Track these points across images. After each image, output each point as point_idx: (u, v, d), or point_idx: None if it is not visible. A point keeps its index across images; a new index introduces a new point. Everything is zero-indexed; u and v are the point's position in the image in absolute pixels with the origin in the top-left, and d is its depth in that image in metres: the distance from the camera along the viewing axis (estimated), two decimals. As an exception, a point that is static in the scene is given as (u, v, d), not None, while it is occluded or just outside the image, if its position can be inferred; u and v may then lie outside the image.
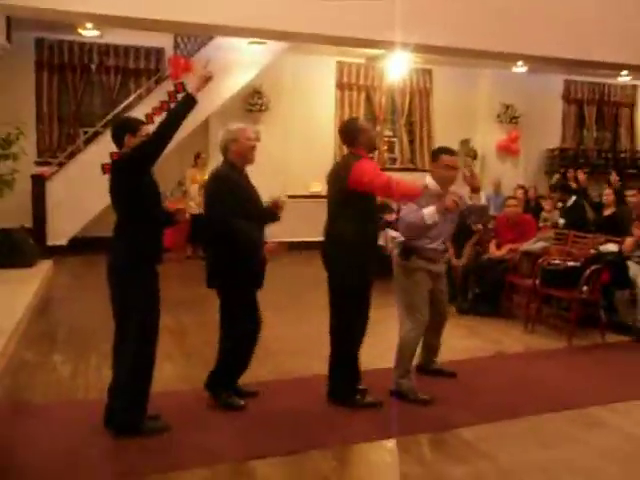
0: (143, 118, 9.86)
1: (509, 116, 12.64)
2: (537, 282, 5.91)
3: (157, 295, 3.65)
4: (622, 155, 13.70)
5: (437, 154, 4.28)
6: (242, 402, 3.98)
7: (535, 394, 4.36)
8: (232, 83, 10.48)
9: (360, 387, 4.10)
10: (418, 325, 4.17)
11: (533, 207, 9.67)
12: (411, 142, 12.53)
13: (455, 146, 12.45)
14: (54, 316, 6.27)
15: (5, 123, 8.38)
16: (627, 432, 3.78)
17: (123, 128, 3.61)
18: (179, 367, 4.86)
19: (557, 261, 6.03)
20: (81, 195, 9.48)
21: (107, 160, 9.63)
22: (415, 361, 4.40)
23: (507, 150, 12.71)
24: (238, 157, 3.88)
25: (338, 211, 3.97)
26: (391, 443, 3.57)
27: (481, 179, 12.04)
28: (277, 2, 8.19)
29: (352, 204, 3.89)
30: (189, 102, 3.53)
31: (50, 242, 9.53)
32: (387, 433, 3.66)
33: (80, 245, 9.61)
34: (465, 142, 12.42)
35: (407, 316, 4.18)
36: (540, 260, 6.01)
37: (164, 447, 3.46)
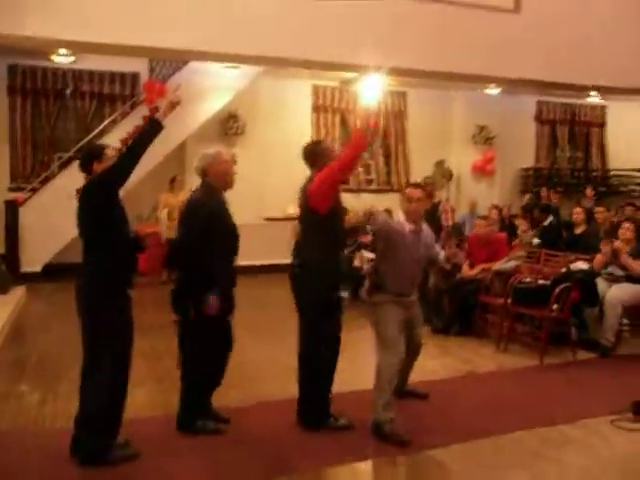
0: (118, 143, 9.89)
1: (484, 137, 12.81)
2: (509, 301, 5.95)
3: (129, 321, 3.63)
4: (594, 174, 13.93)
5: (404, 189, 4.40)
6: (217, 426, 3.94)
7: (506, 413, 4.38)
8: (207, 107, 10.52)
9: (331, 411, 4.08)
10: (394, 359, 4.03)
11: (508, 226, 9.79)
12: (387, 164, 12.65)
13: (430, 167, 12.65)
14: (25, 344, 6.18)
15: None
16: (595, 450, 3.80)
17: (90, 155, 3.64)
18: (151, 392, 4.81)
19: (528, 279, 6.10)
20: (55, 221, 9.38)
21: (81, 185, 9.62)
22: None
23: (482, 170, 12.86)
24: (216, 180, 3.90)
25: (306, 235, 3.99)
26: (362, 466, 3.56)
27: (457, 200, 12.24)
28: (251, 27, 8.29)
29: (318, 227, 3.91)
30: (156, 127, 3.59)
31: (24, 269, 9.41)
32: (358, 456, 3.64)
33: (55, 271, 9.49)
34: (440, 163, 12.55)
35: (382, 349, 4.06)
36: (511, 279, 6.06)
37: (131, 475, 3.41)
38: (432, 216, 7.08)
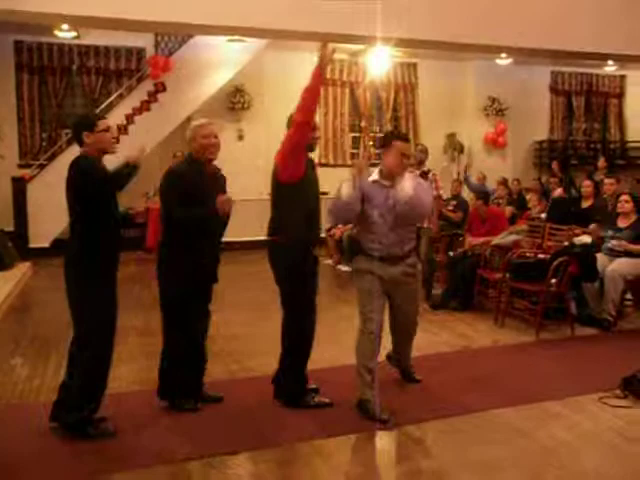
0: (123, 118, 9.90)
1: (495, 109, 12.56)
2: (506, 275, 5.86)
3: (113, 297, 3.61)
4: (611, 146, 13.59)
5: (389, 140, 3.92)
6: (196, 405, 3.93)
7: (493, 389, 4.31)
8: (212, 81, 10.45)
9: (311, 386, 4.06)
10: (365, 334, 3.83)
11: (516, 200, 9.62)
12: (395, 127, 12.45)
13: (441, 140, 12.46)
14: (23, 318, 6.26)
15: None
16: (578, 426, 3.73)
17: (79, 126, 3.55)
18: (137, 368, 4.82)
19: (527, 254, 5.98)
20: (62, 196, 9.37)
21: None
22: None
23: (494, 143, 12.64)
24: (197, 154, 3.83)
25: (277, 207, 3.93)
26: (335, 442, 3.52)
27: (469, 172, 12.03)
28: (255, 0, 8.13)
29: (289, 197, 3.84)
30: (132, 171, 3.56)
31: (32, 244, 9.53)
32: (333, 432, 3.62)
33: (63, 246, 9.59)
34: (451, 136, 12.37)
35: (360, 320, 3.91)
36: (509, 254, 5.95)
37: (109, 448, 3.44)
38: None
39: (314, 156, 12.56)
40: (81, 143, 3.52)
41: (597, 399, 4.09)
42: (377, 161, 12.06)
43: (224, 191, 3.94)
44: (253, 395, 4.15)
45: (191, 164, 3.85)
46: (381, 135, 12.40)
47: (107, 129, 3.56)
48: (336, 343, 4.93)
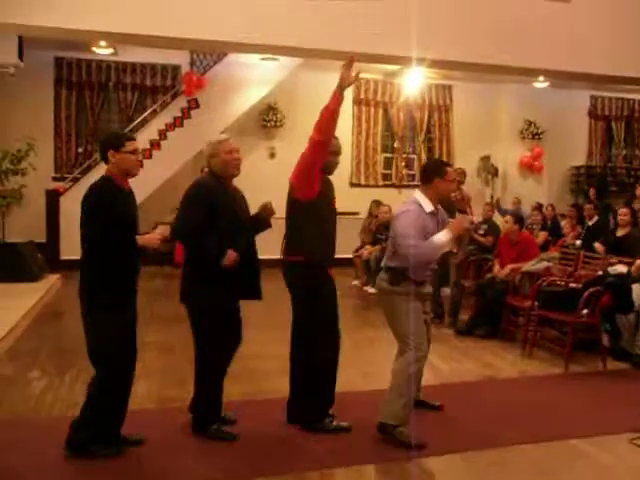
0: (156, 134, 10.01)
1: (532, 132, 12.34)
2: (535, 304, 5.65)
3: (128, 323, 3.51)
4: (653, 173, 13.22)
5: (442, 167, 3.94)
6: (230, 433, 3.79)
7: (517, 423, 4.12)
8: (245, 99, 10.53)
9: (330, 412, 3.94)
10: (419, 357, 3.78)
11: (550, 226, 9.38)
12: (430, 159, 12.33)
13: (475, 163, 12.28)
14: (46, 331, 6.27)
15: (17, 139, 8.57)
16: (607, 469, 3.52)
17: (105, 144, 3.48)
18: (155, 385, 4.77)
19: (558, 282, 5.77)
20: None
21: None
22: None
23: (530, 167, 12.40)
24: (219, 171, 3.76)
25: (295, 227, 3.84)
26: (349, 472, 3.38)
27: (502, 196, 11.80)
28: (291, 18, 8.15)
29: (307, 216, 3.76)
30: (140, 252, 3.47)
31: (63, 256, 9.63)
32: (348, 461, 3.48)
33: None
34: (485, 158, 12.18)
35: (405, 345, 3.77)
36: (539, 281, 5.75)
37: (117, 468, 3.36)
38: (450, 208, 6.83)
39: (347, 175, 12.58)
40: (106, 161, 3.47)
41: (628, 440, 3.86)
42: (409, 183, 12.00)
43: (248, 212, 3.89)
44: (271, 417, 4.02)
45: (216, 180, 3.76)
46: (414, 157, 12.32)
47: (134, 151, 3.47)
48: (356, 367, 4.80)
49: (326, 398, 3.89)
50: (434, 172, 3.88)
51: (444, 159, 12.29)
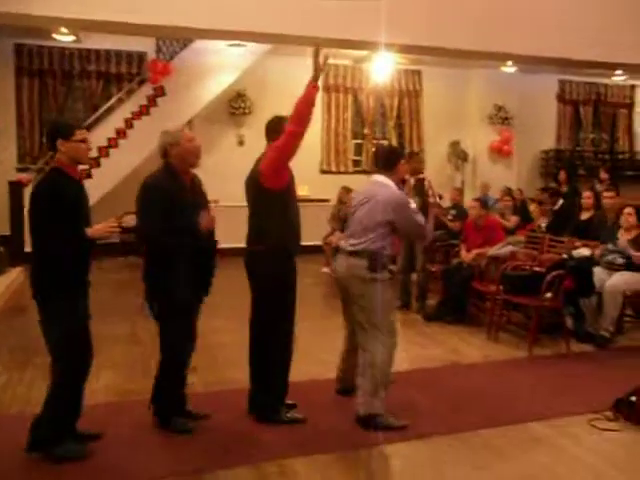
0: (122, 122, 9.84)
1: (501, 117, 12.39)
2: (500, 288, 5.68)
3: (77, 312, 3.40)
4: (620, 157, 13.36)
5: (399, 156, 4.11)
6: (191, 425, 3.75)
7: (478, 408, 4.14)
8: (212, 86, 10.38)
9: (288, 402, 3.92)
10: (392, 343, 3.82)
11: (520, 210, 9.42)
12: (400, 144, 12.32)
13: (445, 148, 12.30)
14: (8, 326, 6.14)
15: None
16: (563, 451, 3.55)
17: (54, 133, 3.37)
18: (120, 378, 4.70)
19: (523, 266, 5.81)
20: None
21: (85, 165, 9.61)
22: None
23: (499, 152, 12.46)
24: (179, 161, 3.64)
25: (262, 216, 3.80)
26: (300, 462, 3.36)
27: (472, 181, 11.86)
28: (257, 4, 8.03)
29: (275, 205, 3.72)
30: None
31: (28, 248, 9.43)
32: (301, 451, 3.47)
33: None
34: (455, 144, 12.21)
35: (377, 335, 3.76)
36: (503, 266, 5.78)
37: (75, 465, 3.30)
38: (418, 193, 6.80)
39: (317, 162, 12.54)
40: (54, 150, 3.35)
41: (586, 421, 3.90)
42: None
43: (206, 200, 3.82)
44: (229, 409, 4.00)
45: (170, 175, 3.63)
46: (384, 142, 12.29)
47: (84, 140, 3.37)
48: (325, 354, 4.78)
49: (280, 388, 3.86)
50: (397, 158, 3.99)
51: (414, 144, 12.31)
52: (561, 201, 8.40)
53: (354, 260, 3.82)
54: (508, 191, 9.49)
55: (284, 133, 3.61)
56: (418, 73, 12.25)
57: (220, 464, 3.34)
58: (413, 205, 3.90)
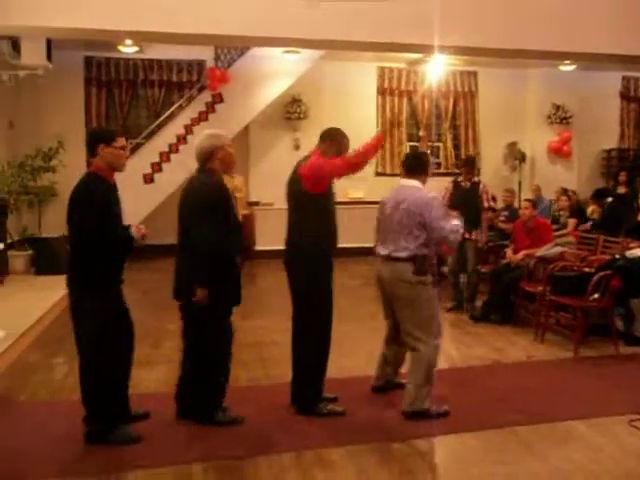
0: (182, 129, 10.25)
1: (560, 117, 12.14)
2: (547, 289, 5.66)
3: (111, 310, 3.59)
4: (688, 155, 12.84)
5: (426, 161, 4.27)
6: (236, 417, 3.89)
7: (514, 406, 4.17)
8: (269, 92, 10.66)
9: (329, 396, 4.08)
10: (437, 344, 3.98)
11: (576, 211, 9.25)
12: (455, 147, 12.29)
13: (501, 149, 12.17)
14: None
15: (48, 138, 8.92)
16: (599, 450, 3.55)
17: (96, 138, 3.58)
18: (171, 372, 4.94)
19: (572, 267, 5.76)
20: (125, 204, 9.83)
21: (148, 170, 10.07)
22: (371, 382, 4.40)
23: (558, 152, 12.21)
24: (222, 165, 3.81)
25: (300, 217, 3.97)
26: (338, 452, 3.50)
27: (530, 182, 11.68)
28: (310, 12, 8.20)
29: (313, 208, 3.89)
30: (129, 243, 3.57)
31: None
32: (338, 442, 3.62)
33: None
34: (512, 145, 12.06)
35: (425, 333, 3.91)
36: (551, 266, 5.75)
37: (127, 452, 3.53)
38: (472, 196, 6.83)
39: (372, 164, 12.54)
40: (94, 154, 3.54)
41: (627, 422, 3.88)
42: (435, 171, 11.95)
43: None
44: (270, 402, 4.19)
45: (215, 176, 3.75)
46: (439, 145, 12.27)
47: (123, 147, 3.60)
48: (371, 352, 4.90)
49: (318, 383, 4.01)
50: (421, 165, 4.19)
51: (470, 146, 12.24)
52: (610, 199, 8.25)
53: (399, 265, 3.95)
54: (563, 191, 9.34)
55: (346, 160, 3.88)
56: (474, 74, 12.18)
57: (260, 451, 3.52)
58: (444, 210, 4.00)
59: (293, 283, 4.01)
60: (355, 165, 3.95)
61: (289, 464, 3.37)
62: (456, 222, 4.04)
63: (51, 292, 7.18)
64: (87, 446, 3.58)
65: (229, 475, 3.29)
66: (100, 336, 3.50)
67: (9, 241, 8.36)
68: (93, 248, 3.44)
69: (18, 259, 8.53)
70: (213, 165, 3.78)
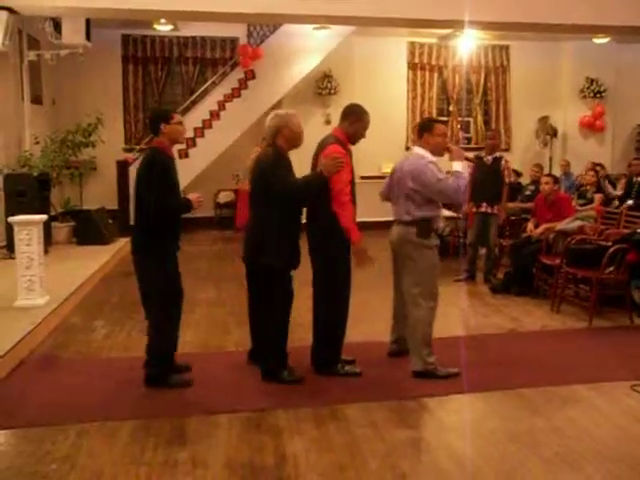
0: (215, 105, 10.54)
1: (593, 90, 12.04)
2: (564, 261, 5.81)
3: (172, 272, 4.08)
4: None
5: (431, 124, 4.34)
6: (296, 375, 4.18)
7: (523, 370, 4.40)
8: (300, 68, 10.85)
9: (348, 358, 4.36)
10: (435, 303, 4.25)
11: (602, 187, 9.26)
12: (486, 122, 12.31)
13: (533, 124, 12.14)
14: (113, 287, 6.97)
15: (88, 114, 9.31)
16: (596, 410, 3.76)
17: (159, 118, 4.03)
18: (202, 334, 5.31)
19: (589, 240, 5.89)
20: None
21: (183, 146, 10.40)
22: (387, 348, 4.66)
23: (590, 127, 12.13)
24: (287, 143, 4.11)
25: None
26: (351, 408, 3.78)
27: (561, 157, 11.64)
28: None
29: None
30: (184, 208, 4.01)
31: (133, 222, 10.39)
32: (353, 398, 3.90)
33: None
34: (543, 119, 12.02)
35: (423, 296, 4.17)
36: (568, 239, 5.89)
37: (185, 396, 3.95)
38: (494, 172, 6.97)
39: (402, 139, 12.57)
40: (157, 133, 4.01)
41: (629, 386, 4.07)
42: (465, 146, 11.98)
43: None
44: (292, 362, 4.47)
45: (281, 153, 4.08)
46: (470, 119, 12.30)
47: (180, 122, 4.07)
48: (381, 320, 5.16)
49: (336, 345, 4.29)
50: (422, 129, 4.33)
51: (500, 121, 12.24)
52: None
53: (405, 228, 4.24)
54: (592, 166, 9.34)
55: (344, 200, 4.05)
56: (506, 48, 12.13)
57: (280, 405, 3.83)
58: (437, 172, 4.12)
59: (325, 255, 4.21)
60: (341, 206, 4.05)
61: (304, 417, 3.67)
62: (457, 168, 4.17)
63: (91, 261, 7.62)
64: (125, 395, 3.95)
65: (252, 423, 3.60)
66: (164, 293, 4.01)
67: (53, 213, 8.81)
68: (158, 214, 3.86)
69: (61, 230, 8.99)
70: (279, 142, 4.11)
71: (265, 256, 4.06)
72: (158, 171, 3.88)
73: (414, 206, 4.18)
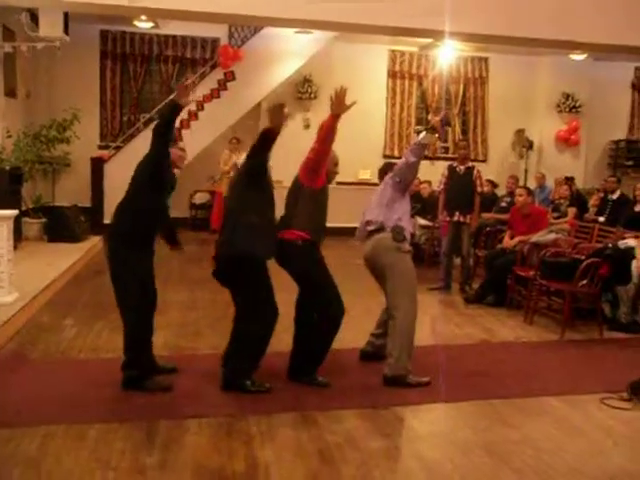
0: (194, 106, 10.45)
1: (569, 105, 12.22)
2: (537, 274, 5.86)
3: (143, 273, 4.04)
4: (697, 148, 12.89)
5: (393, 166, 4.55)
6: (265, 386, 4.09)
7: (497, 381, 4.42)
8: (280, 71, 10.82)
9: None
10: (415, 306, 4.27)
11: (576, 200, 9.39)
12: (464, 132, 12.41)
13: (510, 136, 12.28)
14: (84, 285, 6.85)
15: (64, 110, 9.16)
16: (567, 422, 3.79)
17: None
18: (174, 337, 5.23)
19: (563, 253, 5.96)
20: (135, 177, 10.11)
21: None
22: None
23: (566, 141, 12.31)
24: None
25: (297, 206, 4.17)
26: (323, 416, 3.74)
27: (536, 170, 11.79)
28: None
29: (309, 199, 4.12)
30: (174, 107, 3.89)
31: (107, 220, 10.22)
32: (324, 406, 3.86)
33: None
34: (520, 132, 12.16)
35: (405, 300, 4.20)
36: (543, 252, 5.95)
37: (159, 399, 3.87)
38: (467, 181, 7.04)
39: (380, 147, 12.59)
40: None
41: (599, 399, 4.11)
42: (443, 155, 12.04)
43: None
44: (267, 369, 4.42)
45: None
46: (447, 129, 12.39)
47: (182, 149, 4.29)
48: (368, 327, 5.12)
49: (317, 356, 4.24)
50: (384, 171, 4.58)
51: (478, 132, 12.36)
52: (618, 192, 8.39)
53: (378, 235, 4.28)
54: (565, 180, 9.47)
55: (312, 150, 4.02)
56: (485, 60, 12.26)
57: (252, 411, 3.77)
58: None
59: (295, 270, 4.16)
60: (320, 147, 3.98)
61: (277, 423, 3.63)
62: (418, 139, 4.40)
63: (62, 258, 7.48)
64: (93, 395, 3.87)
65: (222, 429, 3.54)
66: (136, 288, 3.94)
67: (24, 208, 8.63)
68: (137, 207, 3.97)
69: (32, 226, 8.82)
70: None
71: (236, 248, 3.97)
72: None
73: (388, 212, 4.28)
